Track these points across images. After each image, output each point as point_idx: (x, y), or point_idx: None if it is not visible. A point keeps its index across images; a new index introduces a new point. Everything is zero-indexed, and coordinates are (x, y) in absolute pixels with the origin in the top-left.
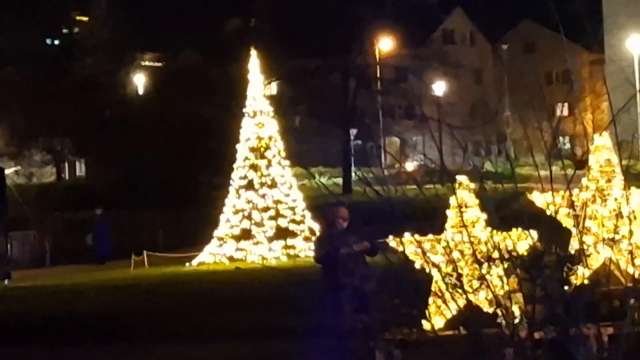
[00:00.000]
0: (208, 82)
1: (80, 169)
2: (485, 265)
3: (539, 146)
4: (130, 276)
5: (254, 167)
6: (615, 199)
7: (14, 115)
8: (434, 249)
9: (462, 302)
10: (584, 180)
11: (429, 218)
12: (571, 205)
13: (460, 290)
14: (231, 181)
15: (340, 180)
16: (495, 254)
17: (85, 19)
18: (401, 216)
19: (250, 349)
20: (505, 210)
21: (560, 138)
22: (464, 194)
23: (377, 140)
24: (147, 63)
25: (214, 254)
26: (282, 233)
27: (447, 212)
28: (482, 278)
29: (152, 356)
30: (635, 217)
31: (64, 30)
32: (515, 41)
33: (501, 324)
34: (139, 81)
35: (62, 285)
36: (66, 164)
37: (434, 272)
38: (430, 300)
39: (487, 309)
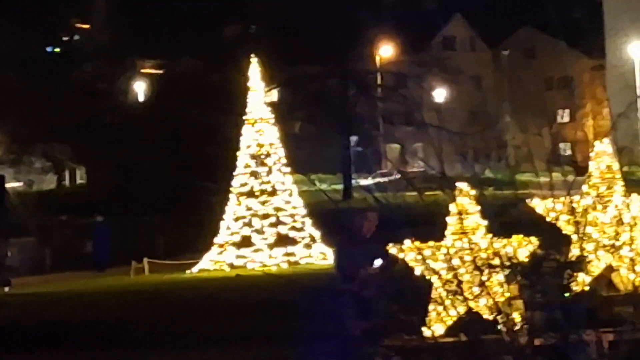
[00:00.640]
0: (208, 88)
1: (81, 176)
2: (486, 272)
3: (539, 152)
4: (130, 283)
5: (255, 174)
6: (616, 206)
7: (13, 122)
8: (434, 256)
9: (462, 309)
10: (585, 187)
11: (429, 225)
12: (572, 211)
13: (460, 297)
14: (232, 188)
15: (340, 187)
16: (496, 261)
17: (85, 26)
18: (401, 223)
19: (250, 355)
20: (506, 217)
21: (561, 144)
22: (464, 201)
23: (377, 146)
24: (146, 70)
25: (215, 261)
26: (283, 240)
27: (448, 218)
28: (482, 285)
29: None
30: (636, 224)
31: (64, 38)
32: (515, 47)
33: (501, 331)
34: (139, 88)
35: (62, 292)
36: (66, 171)
37: (434, 279)
38: (431, 307)
39: (488, 315)
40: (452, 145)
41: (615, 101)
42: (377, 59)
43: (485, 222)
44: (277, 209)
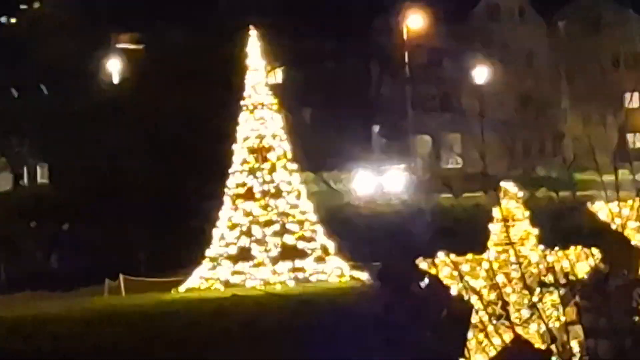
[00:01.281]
0: (198, 68)
1: (43, 175)
2: (537, 291)
3: (603, 145)
4: (103, 306)
5: (254, 172)
6: None
7: None
8: (474, 272)
9: (508, 337)
10: None
11: (467, 233)
12: None
13: (506, 322)
14: (226, 189)
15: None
16: (549, 278)
17: None
18: (434, 231)
19: None
20: (562, 224)
21: (629, 135)
22: (511, 205)
23: (405, 138)
24: (123, 45)
25: (206, 278)
26: (289, 252)
27: (490, 226)
28: (532, 307)
29: None
30: None
31: (22, 6)
32: (574, 17)
33: None
34: (114, 67)
35: (19, 317)
36: (25, 169)
37: (474, 300)
38: (470, 334)
39: (539, 344)
40: (497, 137)
41: None
42: (405, 31)
43: (536, 231)
44: (282, 215)
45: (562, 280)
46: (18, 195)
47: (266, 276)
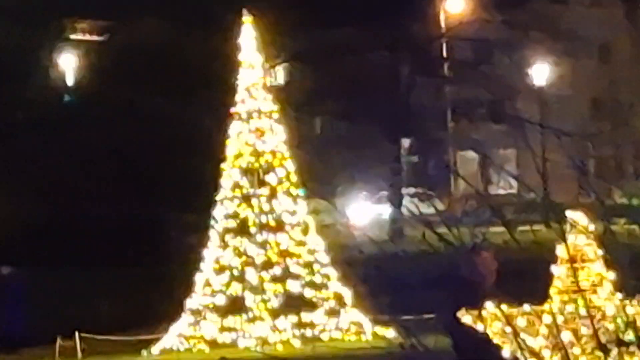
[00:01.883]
0: (177, 66)
1: None
2: (614, 352)
3: None
4: None
5: (249, 200)
6: None
7: None
8: (533, 327)
9: None
10: None
11: (524, 278)
12: None
13: None
14: (213, 221)
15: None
16: (630, 336)
17: None
18: (480, 275)
19: None
20: None
21: None
22: (580, 241)
23: (443, 155)
24: (80, 36)
25: (187, 337)
26: (294, 303)
27: (554, 268)
28: None
29: None
30: None
31: None
32: None
33: None
34: (68, 64)
35: None
36: None
37: None
38: None
39: None
40: (563, 154)
41: None
42: (444, 18)
43: (612, 275)
44: (285, 254)
45: None
46: None
47: (264, 334)
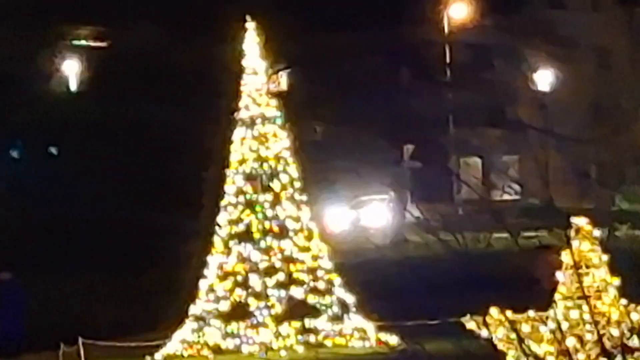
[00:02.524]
0: (180, 71)
1: None
2: (618, 358)
3: None
4: None
5: (252, 206)
6: None
7: None
8: (537, 333)
9: None
10: None
11: (527, 284)
12: None
13: None
14: (216, 227)
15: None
16: (635, 341)
17: None
18: (485, 281)
19: None
20: None
21: None
22: (584, 246)
23: (445, 160)
24: (82, 42)
25: (190, 343)
26: (297, 309)
27: (558, 274)
28: None
29: None
30: None
31: None
32: None
33: None
34: (70, 70)
35: None
36: None
37: None
38: None
39: None
40: (565, 159)
41: None
42: (446, 22)
43: (616, 281)
44: (289, 260)
45: None
46: None
47: (268, 339)
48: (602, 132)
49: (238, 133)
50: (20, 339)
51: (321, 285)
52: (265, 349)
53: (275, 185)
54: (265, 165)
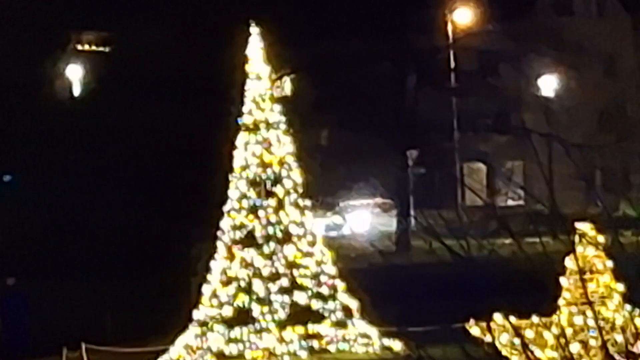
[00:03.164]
0: (184, 76)
1: None
2: None
3: None
4: None
5: (256, 211)
6: None
7: None
8: (541, 339)
9: None
10: None
11: (532, 289)
12: None
13: None
14: (219, 232)
15: (392, 230)
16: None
17: None
18: (489, 286)
19: None
20: None
21: None
22: (589, 252)
23: (450, 166)
24: (86, 47)
25: (193, 348)
26: (301, 314)
27: (562, 280)
28: None
29: None
30: None
31: None
32: None
33: None
34: (74, 75)
35: None
36: None
37: None
38: None
39: None
40: (570, 165)
41: None
42: (451, 28)
43: (621, 286)
44: (293, 266)
45: None
46: None
47: (271, 345)
48: (608, 138)
49: (241, 138)
50: (24, 344)
51: (325, 290)
52: (268, 354)
53: (279, 190)
54: (268, 171)
